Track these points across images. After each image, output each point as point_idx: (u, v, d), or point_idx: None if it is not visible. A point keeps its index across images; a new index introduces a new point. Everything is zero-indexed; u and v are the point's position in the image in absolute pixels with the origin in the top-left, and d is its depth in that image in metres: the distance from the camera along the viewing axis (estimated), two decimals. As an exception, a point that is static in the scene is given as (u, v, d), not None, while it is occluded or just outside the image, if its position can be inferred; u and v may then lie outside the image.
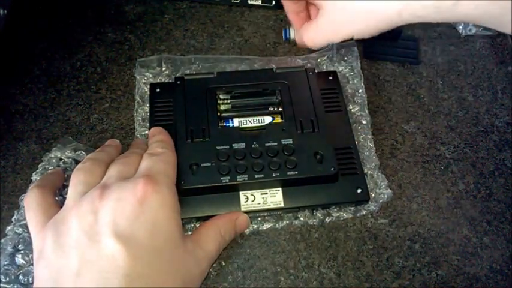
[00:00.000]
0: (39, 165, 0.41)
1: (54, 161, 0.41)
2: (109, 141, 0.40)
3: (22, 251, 0.36)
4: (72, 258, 0.29)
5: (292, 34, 0.47)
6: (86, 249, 0.29)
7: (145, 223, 0.30)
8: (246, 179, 0.37)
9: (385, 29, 0.38)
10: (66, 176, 0.39)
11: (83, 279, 0.29)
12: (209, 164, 0.38)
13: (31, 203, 0.34)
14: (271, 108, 0.42)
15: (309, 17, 0.45)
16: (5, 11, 0.48)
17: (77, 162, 0.40)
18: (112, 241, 0.29)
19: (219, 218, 0.37)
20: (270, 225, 0.39)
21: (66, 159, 0.41)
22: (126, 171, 0.33)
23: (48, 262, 0.30)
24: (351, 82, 0.46)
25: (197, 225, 0.38)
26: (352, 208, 0.40)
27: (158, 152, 0.36)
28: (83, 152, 0.41)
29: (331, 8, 0.40)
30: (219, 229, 0.35)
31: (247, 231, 0.39)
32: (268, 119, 0.41)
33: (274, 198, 0.38)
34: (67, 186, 0.38)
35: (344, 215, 0.39)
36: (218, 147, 0.38)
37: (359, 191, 0.39)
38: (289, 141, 0.39)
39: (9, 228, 0.37)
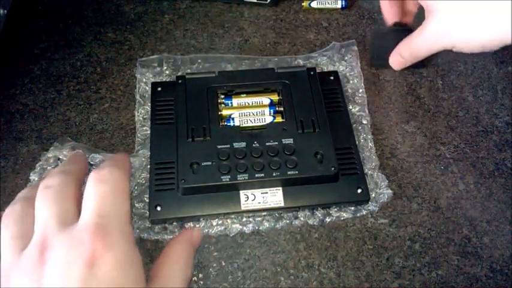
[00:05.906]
0: (37, 165, 0.41)
1: (52, 160, 0.41)
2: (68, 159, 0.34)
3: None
4: None
5: None
6: None
7: (99, 287, 0.25)
8: (247, 178, 0.37)
9: (493, 48, 0.34)
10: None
11: None
12: (209, 163, 0.38)
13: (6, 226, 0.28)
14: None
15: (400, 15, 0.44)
16: (5, 11, 0.48)
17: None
18: None
19: (176, 243, 0.33)
20: (270, 225, 0.39)
21: (64, 159, 0.40)
22: (66, 212, 0.27)
23: None
24: (351, 82, 0.46)
25: (197, 225, 0.38)
26: (352, 208, 0.40)
27: (106, 178, 0.29)
28: (80, 151, 0.41)
29: (445, 15, 0.35)
30: (181, 257, 0.32)
31: (247, 231, 0.38)
32: (269, 119, 0.41)
33: (275, 197, 0.38)
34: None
35: (344, 215, 0.39)
36: (219, 146, 0.39)
37: (359, 191, 0.39)
38: (290, 140, 0.39)
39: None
